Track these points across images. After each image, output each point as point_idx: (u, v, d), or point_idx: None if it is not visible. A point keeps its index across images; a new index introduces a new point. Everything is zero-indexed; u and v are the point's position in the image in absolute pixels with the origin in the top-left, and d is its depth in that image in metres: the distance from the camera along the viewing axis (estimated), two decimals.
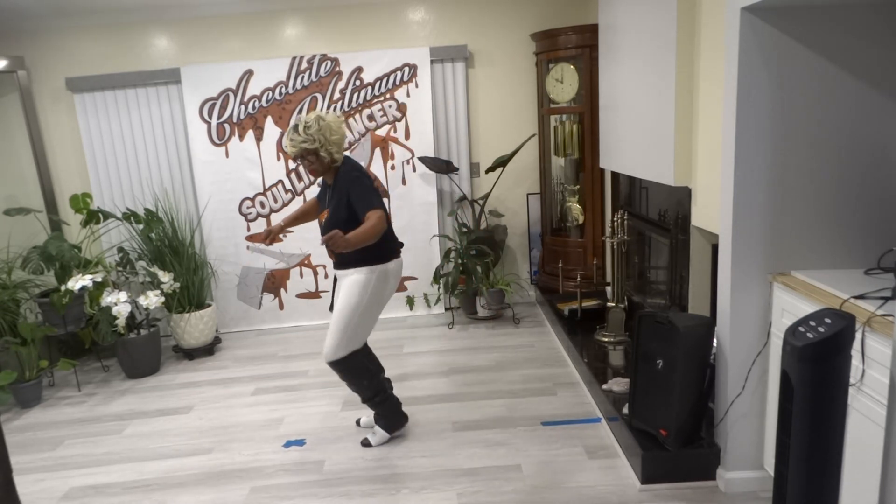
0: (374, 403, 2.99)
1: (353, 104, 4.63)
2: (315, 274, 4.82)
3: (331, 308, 2.97)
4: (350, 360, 2.86)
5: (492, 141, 4.85)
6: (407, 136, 4.68)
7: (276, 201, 4.72)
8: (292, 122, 2.67)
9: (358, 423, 3.20)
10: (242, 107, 4.60)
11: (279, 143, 4.65)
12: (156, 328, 4.20)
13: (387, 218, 2.74)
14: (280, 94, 4.60)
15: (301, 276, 4.83)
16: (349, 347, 2.84)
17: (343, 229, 2.64)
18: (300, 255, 4.80)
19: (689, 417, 2.46)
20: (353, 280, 2.80)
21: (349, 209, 2.73)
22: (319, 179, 3.53)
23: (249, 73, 4.56)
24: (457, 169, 4.70)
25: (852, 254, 2.26)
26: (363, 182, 2.75)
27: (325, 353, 2.85)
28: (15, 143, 4.63)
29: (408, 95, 4.62)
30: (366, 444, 3.01)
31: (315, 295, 4.85)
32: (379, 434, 3.01)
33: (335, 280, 3.01)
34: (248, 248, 4.78)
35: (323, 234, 2.79)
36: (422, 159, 4.58)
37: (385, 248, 2.82)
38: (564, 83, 4.34)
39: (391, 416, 3.02)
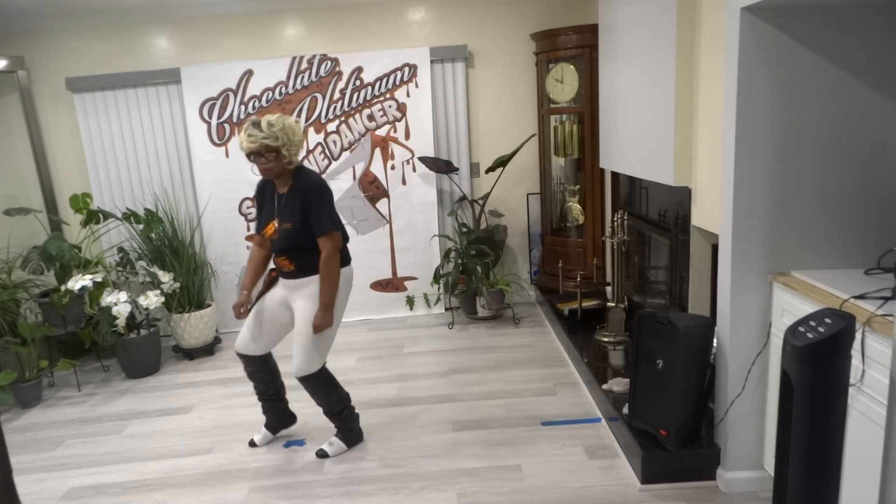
0: (342, 418, 2.95)
1: (353, 104, 4.63)
2: None
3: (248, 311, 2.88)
4: (323, 373, 2.84)
5: (492, 141, 4.85)
6: (407, 136, 4.68)
7: None
8: (251, 120, 2.67)
9: (321, 453, 2.95)
10: (242, 107, 4.60)
11: None
12: (156, 328, 4.21)
13: (342, 232, 2.79)
14: (280, 94, 4.60)
15: None
16: (321, 360, 2.82)
17: (298, 242, 2.70)
18: None
19: (689, 417, 2.46)
20: (314, 290, 2.75)
21: (306, 221, 2.69)
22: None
23: (249, 73, 4.56)
24: (457, 169, 4.70)
25: (852, 254, 2.26)
26: (325, 198, 2.69)
27: (298, 369, 2.79)
28: (15, 143, 4.63)
29: (408, 95, 4.62)
30: (322, 454, 2.93)
31: None
32: (337, 445, 2.96)
33: (268, 285, 2.92)
34: (248, 248, 4.77)
35: (277, 245, 2.75)
36: (422, 159, 4.58)
37: (342, 253, 2.79)
38: (564, 83, 4.34)
39: (354, 430, 3.00)
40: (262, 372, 3.00)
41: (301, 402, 3.52)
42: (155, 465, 3.00)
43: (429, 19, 4.67)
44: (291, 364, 2.83)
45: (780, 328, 2.23)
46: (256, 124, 2.62)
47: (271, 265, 2.96)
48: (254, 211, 4.70)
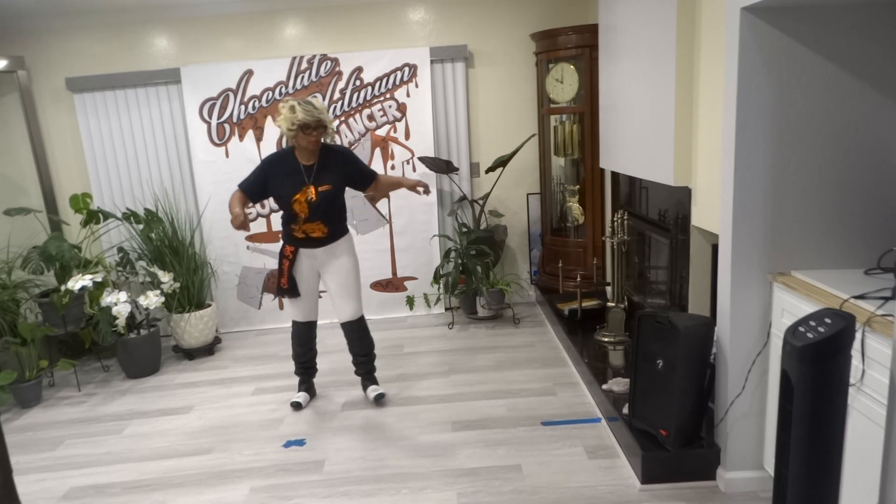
0: (371, 359, 3.47)
1: (353, 104, 4.63)
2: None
3: (295, 291, 3.25)
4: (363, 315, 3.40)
5: (492, 141, 4.85)
6: (407, 136, 4.68)
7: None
8: (299, 99, 3.01)
9: (380, 397, 3.44)
10: (242, 107, 4.60)
11: (279, 142, 4.65)
12: (156, 328, 4.21)
13: None
14: (280, 94, 4.60)
15: None
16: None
17: (335, 203, 3.16)
18: None
19: (689, 417, 2.46)
20: (347, 246, 3.28)
21: (344, 182, 3.19)
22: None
23: (249, 73, 4.56)
24: (457, 169, 4.70)
25: (852, 254, 2.26)
26: (356, 155, 3.33)
27: (355, 312, 3.31)
28: (15, 143, 4.62)
29: (408, 95, 4.62)
30: (381, 399, 3.42)
31: None
32: (380, 388, 3.46)
33: (291, 261, 3.22)
34: (248, 247, 4.77)
35: (317, 208, 3.10)
36: (422, 159, 4.58)
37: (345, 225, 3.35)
38: (564, 83, 4.34)
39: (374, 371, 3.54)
40: (313, 339, 3.45)
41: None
42: (155, 465, 3.00)
43: (429, 19, 4.67)
44: (340, 317, 3.32)
45: (780, 328, 2.23)
46: (308, 102, 2.98)
47: (285, 240, 3.26)
48: (254, 211, 4.72)
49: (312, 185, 3.08)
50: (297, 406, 3.42)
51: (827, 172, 2.21)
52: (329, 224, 3.16)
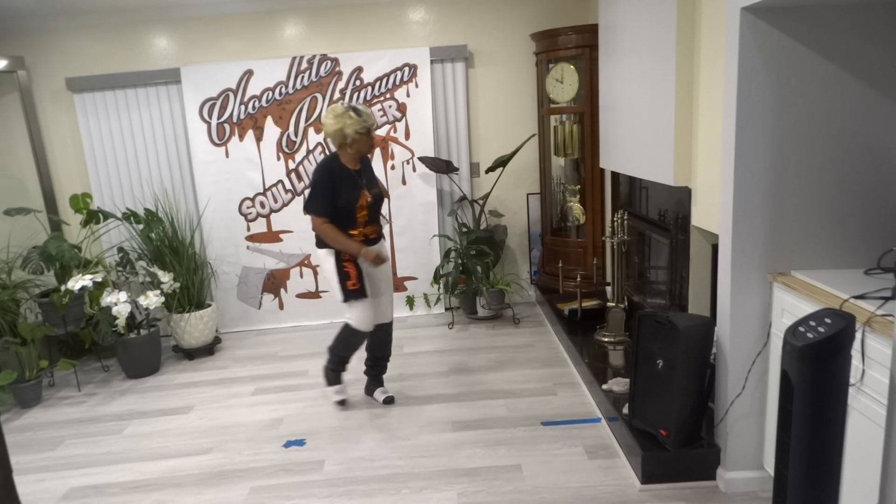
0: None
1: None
2: (315, 274, 4.82)
3: (364, 291, 3.17)
4: None
5: (492, 141, 4.85)
6: (407, 136, 4.68)
7: (275, 201, 4.72)
8: (352, 105, 3.04)
9: (390, 400, 3.45)
10: (242, 107, 4.60)
11: (279, 143, 4.65)
12: (156, 328, 4.21)
13: None
14: (280, 94, 4.60)
15: (301, 276, 4.83)
16: None
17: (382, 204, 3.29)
18: (300, 255, 4.80)
19: (689, 417, 2.46)
20: (386, 245, 3.38)
21: None
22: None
23: (249, 73, 4.56)
24: (457, 169, 4.70)
25: (852, 254, 2.26)
26: None
27: (392, 314, 3.41)
28: (15, 143, 4.63)
29: (408, 95, 4.62)
30: (389, 400, 3.43)
31: (315, 295, 4.85)
32: (388, 391, 3.49)
33: (355, 261, 3.17)
34: (248, 247, 4.78)
35: (374, 208, 3.19)
36: (422, 159, 4.58)
37: None
38: (564, 83, 4.34)
39: None
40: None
41: (302, 402, 3.52)
42: (155, 465, 3.00)
43: (429, 19, 4.67)
44: (382, 318, 3.33)
45: (780, 328, 2.23)
46: (361, 105, 3.07)
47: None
48: (254, 211, 4.73)
49: (366, 189, 3.15)
50: (343, 402, 3.44)
51: (827, 172, 2.21)
52: (379, 224, 3.29)
